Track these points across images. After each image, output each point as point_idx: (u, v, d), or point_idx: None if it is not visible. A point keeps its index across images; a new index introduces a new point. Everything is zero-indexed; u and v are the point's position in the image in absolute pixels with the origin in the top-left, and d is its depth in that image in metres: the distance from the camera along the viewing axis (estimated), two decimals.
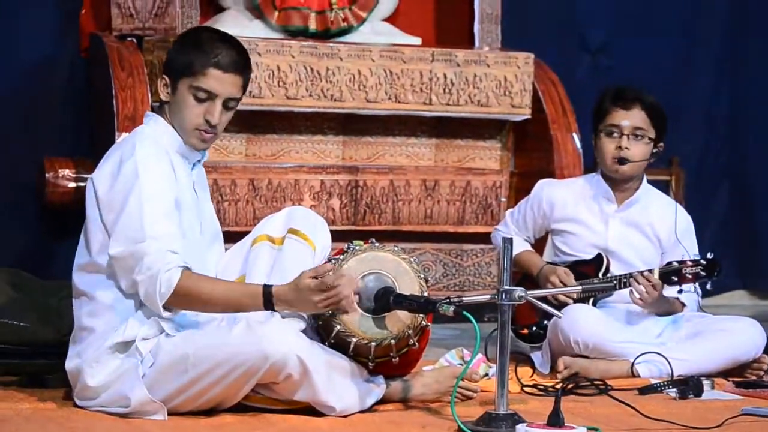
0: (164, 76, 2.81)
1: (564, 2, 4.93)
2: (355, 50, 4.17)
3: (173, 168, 2.78)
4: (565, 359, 3.34)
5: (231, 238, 3.07)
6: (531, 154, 4.43)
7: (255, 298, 2.69)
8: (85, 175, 4.08)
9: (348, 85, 4.14)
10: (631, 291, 3.41)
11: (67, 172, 4.06)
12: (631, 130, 3.50)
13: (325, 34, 4.29)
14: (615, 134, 3.51)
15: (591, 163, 4.47)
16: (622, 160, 3.49)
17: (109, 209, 2.72)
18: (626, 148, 3.48)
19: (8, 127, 4.20)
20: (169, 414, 2.71)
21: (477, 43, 4.49)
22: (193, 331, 2.76)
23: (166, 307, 2.68)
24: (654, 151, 3.55)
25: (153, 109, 2.88)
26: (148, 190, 2.70)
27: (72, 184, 4.06)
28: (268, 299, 2.68)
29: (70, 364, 2.81)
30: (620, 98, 3.50)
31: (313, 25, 4.27)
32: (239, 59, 2.80)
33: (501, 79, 4.28)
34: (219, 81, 2.77)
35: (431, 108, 4.24)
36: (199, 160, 2.89)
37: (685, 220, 3.60)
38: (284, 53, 4.07)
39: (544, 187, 3.68)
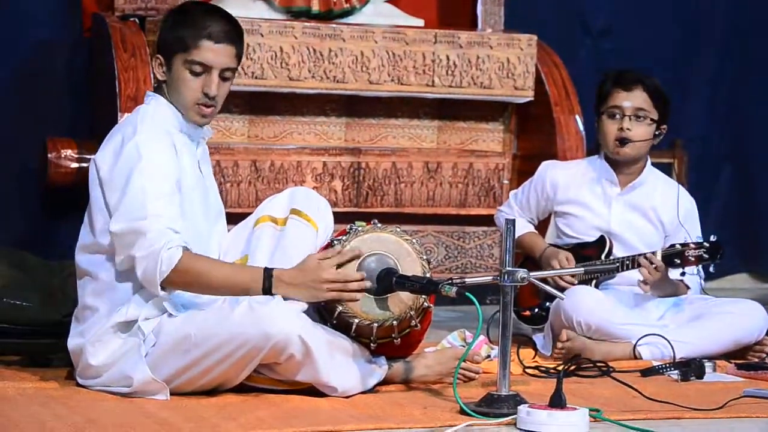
0: (158, 55, 2.81)
1: None
2: (358, 32, 4.16)
3: (175, 147, 2.78)
4: (569, 332, 3.33)
5: (233, 219, 3.07)
6: (534, 137, 4.42)
7: (255, 281, 2.69)
8: (87, 156, 4.08)
9: (351, 67, 4.13)
10: (640, 272, 3.41)
11: (69, 152, 4.06)
12: (632, 111, 3.50)
13: (327, 15, 4.27)
14: (617, 115, 3.51)
15: (593, 146, 4.47)
16: (624, 141, 3.49)
17: (111, 189, 2.73)
18: (628, 129, 3.48)
19: (11, 107, 4.19)
20: (171, 394, 2.71)
21: (480, 25, 4.47)
22: (195, 311, 2.76)
23: (163, 286, 2.68)
24: (657, 133, 3.55)
25: (154, 90, 2.88)
26: (150, 170, 2.70)
27: (74, 165, 4.06)
28: (268, 281, 2.68)
29: (72, 342, 2.82)
30: (622, 80, 3.50)
31: (315, 6, 4.26)
32: (230, 29, 2.80)
33: (504, 61, 4.27)
34: (213, 52, 2.77)
35: (434, 90, 4.23)
36: (203, 138, 2.88)
37: (688, 203, 3.60)
38: (287, 34, 4.06)
39: (547, 168, 3.68)
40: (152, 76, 3.94)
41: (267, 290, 2.70)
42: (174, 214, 2.70)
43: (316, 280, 2.69)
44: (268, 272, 2.70)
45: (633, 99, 3.49)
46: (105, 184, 2.74)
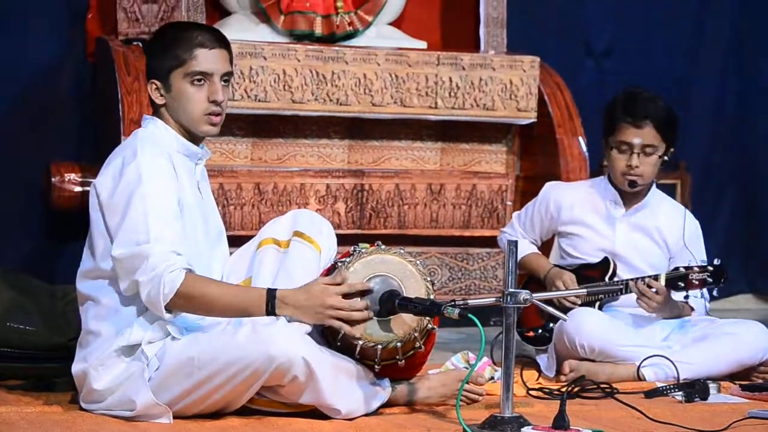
0: (153, 81, 2.81)
1: (568, 7, 4.93)
2: (361, 54, 4.17)
3: (175, 169, 2.78)
4: (571, 362, 3.34)
5: (236, 242, 3.07)
6: (536, 158, 4.42)
7: (258, 302, 2.68)
8: (91, 180, 4.07)
9: (353, 89, 4.14)
10: (638, 298, 3.41)
11: (73, 176, 4.07)
12: (641, 148, 3.49)
13: (330, 38, 4.29)
14: (626, 151, 3.50)
15: (596, 167, 4.47)
16: (633, 183, 3.49)
17: (112, 213, 2.73)
18: (636, 166, 3.47)
19: (15, 130, 4.21)
20: (175, 417, 2.71)
21: (482, 47, 4.48)
22: (198, 334, 2.76)
23: (168, 309, 2.68)
24: (665, 159, 3.54)
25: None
26: (152, 193, 2.70)
27: (78, 189, 4.07)
28: (271, 302, 2.68)
29: (76, 367, 2.82)
30: (631, 114, 3.47)
31: (318, 29, 4.27)
32: (216, 34, 2.83)
33: (507, 82, 4.28)
34: (209, 59, 2.78)
35: (437, 112, 4.24)
36: (200, 159, 2.89)
37: (693, 226, 3.60)
38: (290, 57, 4.08)
39: (551, 189, 3.68)
40: (150, 101, 3.97)
41: (270, 311, 2.70)
42: (176, 237, 2.70)
43: (320, 305, 2.69)
44: (271, 293, 2.70)
45: (643, 136, 3.48)
46: (105, 209, 2.74)
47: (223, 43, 2.82)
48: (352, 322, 2.70)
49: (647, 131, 3.48)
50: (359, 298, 2.70)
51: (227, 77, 2.82)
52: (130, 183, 2.71)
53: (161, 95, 2.82)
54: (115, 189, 2.73)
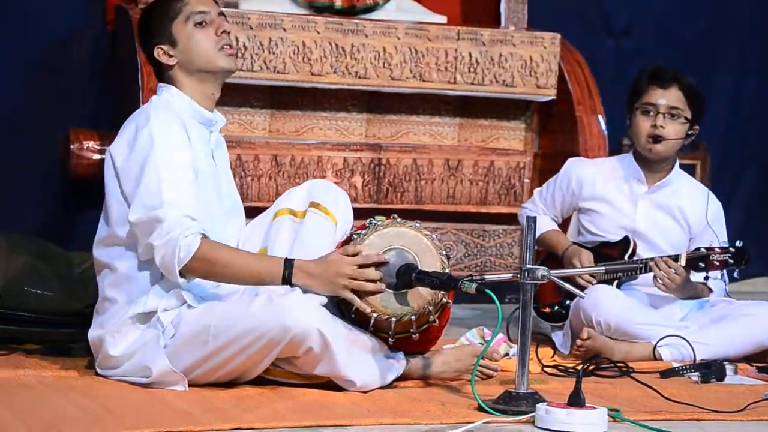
0: (157, 46, 2.82)
1: None
2: (381, 27, 4.15)
3: (188, 135, 2.78)
4: (590, 330, 3.32)
5: (253, 213, 3.07)
6: (555, 136, 4.40)
7: (274, 271, 2.68)
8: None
9: (373, 63, 4.12)
10: (654, 276, 3.40)
11: (91, 143, 4.07)
12: (667, 109, 3.48)
13: (350, 11, 4.27)
14: (651, 112, 3.49)
15: (615, 146, 4.44)
16: (657, 138, 3.47)
17: (127, 179, 2.73)
18: (661, 126, 3.47)
19: (34, 98, 4.21)
20: (190, 385, 2.71)
21: (503, 23, 4.45)
22: (214, 302, 2.76)
23: (182, 274, 2.68)
24: (689, 132, 3.53)
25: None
26: (165, 157, 2.70)
27: (96, 156, 4.07)
28: (288, 270, 2.67)
29: (92, 334, 2.82)
30: (658, 77, 3.49)
31: (338, 2, 4.25)
32: None
33: (527, 59, 4.25)
34: (199, 1, 2.82)
35: (456, 87, 4.22)
36: (215, 125, 2.87)
37: (716, 207, 3.58)
38: (309, 29, 4.06)
39: (573, 165, 3.67)
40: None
41: (287, 280, 2.69)
42: (191, 202, 2.70)
43: (335, 273, 2.69)
44: (288, 262, 2.70)
45: (668, 97, 3.48)
46: (121, 175, 2.75)
47: None
48: (363, 294, 2.69)
49: (673, 92, 3.47)
50: (374, 269, 2.69)
51: (222, 15, 2.85)
52: (143, 148, 2.71)
53: (170, 55, 2.82)
54: (130, 155, 2.73)
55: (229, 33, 2.83)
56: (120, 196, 2.75)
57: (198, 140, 2.81)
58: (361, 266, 2.69)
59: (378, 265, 2.70)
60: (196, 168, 2.77)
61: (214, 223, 2.80)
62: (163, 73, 2.86)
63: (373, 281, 2.69)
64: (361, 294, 2.71)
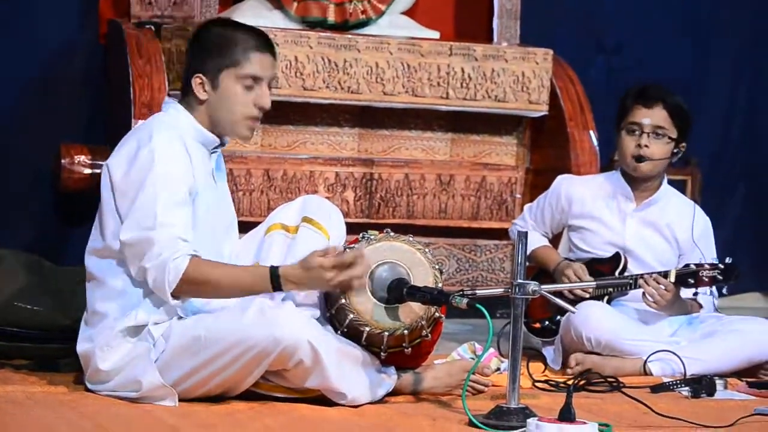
0: (199, 75, 2.79)
1: (581, 1, 4.91)
2: (373, 42, 4.16)
3: (190, 156, 2.78)
4: (577, 356, 3.33)
5: (245, 227, 3.06)
6: (547, 151, 4.41)
7: (263, 280, 2.67)
8: (101, 162, 4.07)
9: (365, 78, 4.13)
10: (643, 293, 3.40)
11: (83, 158, 4.07)
12: (651, 129, 3.49)
13: (343, 26, 4.28)
14: (636, 132, 3.50)
15: (606, 162, 4.45)
16: (640, 158, 3.48)
17: (123, 195, 2.73)
18: (645, 146, 3.47)
19: (25, 112, 4.20)
20: (179, 399, 2.71)
21: (495, 38, 4.47)
22: (205, 314, 2.76)
23: (175, 296, 2.68)
24: (675, 151, 3.54)
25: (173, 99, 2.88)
26: (163, 178, 2.69)
27: (88, 171, 4.06)
28: (276, 279, 2.67)
29: (81, 347, 2.82)
30: (643, 96, 3.50)
31: (331, 17, 4.26)
32: (269, 39, 2.85)
33: (519, 74, 4.27)
34: (262, 64, 2.79)
35: (448, 102, 4.23)
36: (216, 148, 2.88)
37: (703, 223, 3.59)
38: (302, 44, 4.07)
39: (563, 182, 3.67)
40: (167, 83, 3.97)
41: (277, 287, 2.69)
42: (184, 223, 2.70)
43: (316, 278, 2.66)
44: (274, 270, 2.69)
45: (652, 116, 3.49)
46: (117, 190, 2.74)
47: (273, 49, 2.84)
48: (352, 295, 2.68)
49: (657, 112, 3.48)
50: (358, 267, 2.66)
51: (272, 82, 2.85)
52: (143, 167, 2.71)
53: (205, 91, 2.80)
54: (128, 172, 2.73)
55: (266, 110, 2.81)
56: (115, 210, 2.74)
57: (199, 160, 2.80)
58: (341, 266, 2.66)
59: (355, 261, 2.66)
60: (196, 188, 2.76)
61: (210, 242, 2.79)
62: (186, 95, 2.83)
63: (358, 276, 2.67)
64: (350, 295, 2.71)
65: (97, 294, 2.80)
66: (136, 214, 2.68)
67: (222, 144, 2.88)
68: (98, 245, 2.80)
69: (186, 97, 2.84)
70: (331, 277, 2.65)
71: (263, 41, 2.81)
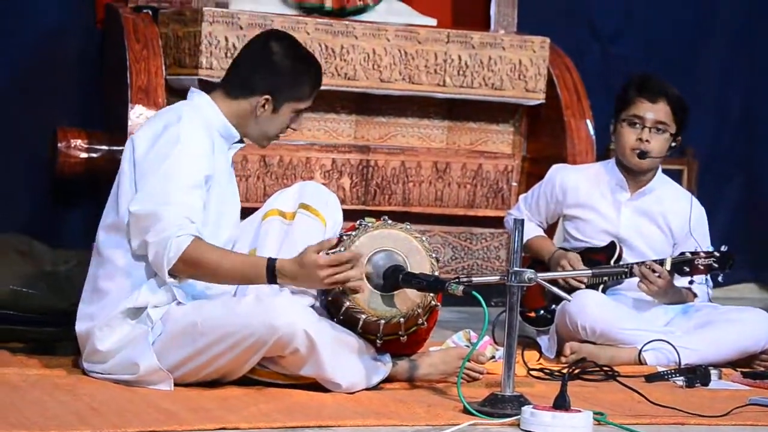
0: (267, 96, 2.83)
1: None
2: (371, 29, 4.15)
3: (213, 145, 2.80)
4: (572, 344, 3.34)
5: (241, 214, 3.06)
6: (543, 139, 4.41)
7: (259, 271, 2.69)
8: (97, 147, 4.08)
9: (362, 64, 4.13)
10: (639, 280, 3.40)
11: (79, 142, 4.07)
12: (653, 123, 3.48)
13: (340, 13, 4.27)
14: (637, 125, 3.49)
15: (603, 150, 4.45)
16: (643, 154, 3.48)
17: (142, 170, 2.75)
18: (647, 141, 3.47)
19: (22, 96, 4.20)
20: (175, 384, 2.71)
21: (493, 26, 4.46)
22: (203, 300, 2.76)
23: (171, 273, 2.68)
24: (672, 144, 3.54)
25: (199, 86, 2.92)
26: (183, 159, 2.72)
27: (84, 155, 4.06)
28: (271, 272, 2.68)
29: (80, 325, 2.82)
30: (646, 89, 3.48)
31: (329, 3, 4.25)
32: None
33: (516, 62, 4.26)
34: (310, 102, 2.92)
35: (445, 90, 4.22)
36: (235, 144, 2.90)
37: (698, 212, 3.59)
38: (299, 30, 4.06)
39: (558, 172, 3.67)
40: (164, 67, 3.96)
41: (272, 280, 2.70)
42: (195, 205, 2.72)
43: (311, 276, 2.67)
44: (271, 263, 2.70)
45: (656, 111, 3.48)
46: (138, 164, 2.76)
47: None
48: (353, 285, 2.69)
49: (661, 107, 3.47)
50: (356, 268, 2.67)
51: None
52: (167, 144, 2.73)
53: (264, 109, 2.85)
54: (151, 148, 2.75)
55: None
56: (133, 184, 2.76)
57: (220, 151, 2.84)
58: (336, 264, 2.67)
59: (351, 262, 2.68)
60: (214, 177, 2.79)
61: (218, 231, 2.81)
62: (228, 94, 2.85)
63: (353, 276, 2.68)
64: (346, 291, 2.71)
65: (100, 272, 2.80)
66: (149, 188, 2.71)
67: (241, 140, 2.90)
68: (111, 219, 2.81)
69: (219, 90, 2.87)
70: (325, 275, 2.66)
71: (321, 77, 2.93)
